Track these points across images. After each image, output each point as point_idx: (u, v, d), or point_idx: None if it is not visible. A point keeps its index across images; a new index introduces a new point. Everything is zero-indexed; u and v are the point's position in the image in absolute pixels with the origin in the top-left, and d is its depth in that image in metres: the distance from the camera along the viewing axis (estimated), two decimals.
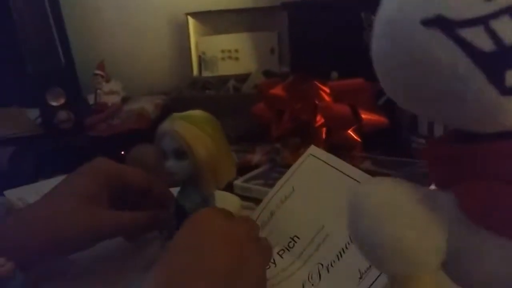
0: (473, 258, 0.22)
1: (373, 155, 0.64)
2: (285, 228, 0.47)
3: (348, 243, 0.41)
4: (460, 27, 0.19)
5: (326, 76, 0.69)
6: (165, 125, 0.41)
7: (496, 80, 0.19)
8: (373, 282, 0.37)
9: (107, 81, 0.97)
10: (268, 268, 0.43)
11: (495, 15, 0.18)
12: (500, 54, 0.18)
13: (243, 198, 0.58)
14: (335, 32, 0.66)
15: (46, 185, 0.48)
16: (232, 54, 0.96)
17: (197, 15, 0.97)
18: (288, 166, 0.62)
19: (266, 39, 0.93)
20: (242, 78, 0.90)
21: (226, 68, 0.96)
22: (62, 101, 0.82)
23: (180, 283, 0.29)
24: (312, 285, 0.40)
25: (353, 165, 0.61)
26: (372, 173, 0.57)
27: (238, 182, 0.60)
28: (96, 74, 0.96)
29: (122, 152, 0.75)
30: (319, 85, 0.59)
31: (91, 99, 0.98)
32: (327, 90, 0.59)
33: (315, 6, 0.67)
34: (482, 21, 0.19)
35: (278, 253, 0.45)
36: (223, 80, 0.92)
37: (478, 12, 0.19)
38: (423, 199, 0.23)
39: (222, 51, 0.96)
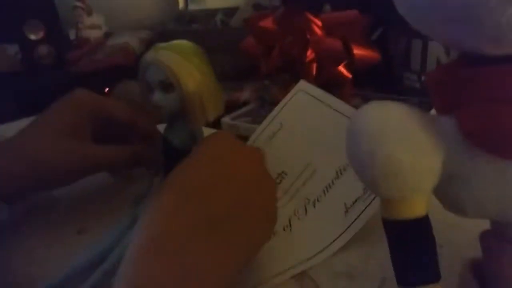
0: (468, 182, 0.22)
1: (364, 92, 0.63)
2: (272, 164, 0.47)
3: (335, 179, 0.41)
4: None
5: (318, 9, 0.66)
6: (149, 56, 0.39)
7: None
8: (358, 216, 0.37)
9: (89, 14, 0.92)
10: None
11: None
12: None
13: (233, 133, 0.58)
14: None
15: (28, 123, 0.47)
16: None
17: None
18: (278, 103, 0.61)
19: None
20: (231, 12, 0.86)
21: (214, 1, 0.92)
22: (41, 34, 0.78)
23: (204, 192, 0.28)
24: (299, 219, 0.41)
25: (343, 102, 0.61)
26: None
27: (226, 119, 0.59)
28: (76, 6, 0.91)
29: (106, 89, 0.73)
30: (311, 17, 0.56)
31: (72, 35, 0.94)
32: (319, 23, 0.57)
33: None
34: None
35: None
36: (211, 13, 0.89)
37: None
38: (423, 122, 0.23)
39: None
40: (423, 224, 0.24)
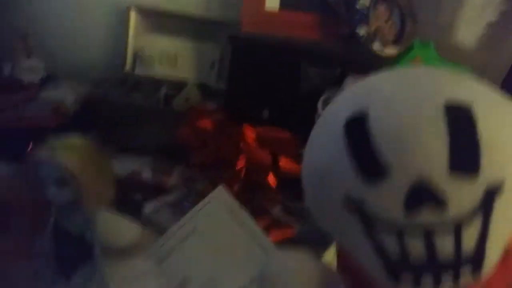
0: None
1: (286, 200, 0.72)
2: (180, 267, 0.54)
3: None
4: (376, 224, 0.23)
5: (258, 112, 0.76)
6: (44, 154, 0.47)
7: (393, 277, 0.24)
8: None
9: (28, 56, 0.97)
10: None
11: (411, 229, 0.22)
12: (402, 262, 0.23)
13: (150, 224, 0.64)
14: (274, 74, 0.74)
15: None
16: (171, 58, 1.00)
17: (142, 10, 0.99)
18: (203, 196, 0.68)
19: (209, 50, 0.98)
20: (177, 86, 0.94)
21: (162, 71, 1.00)
22: None
23: None
24: None
25: (264, 207, 0.70)
26: (278, 223, 0.66)
27: (147, 209, 0.65)
28: (16, 47, 0.95)
29: (29, 148, 0.77)
30: (246, 128, 0.66)
31: (7, 69, 0.97)
32: (253, 135, 0.66)
33: (261, 47, 0.74)
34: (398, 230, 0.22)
35: None
36: (156, 83, 0.96)
37: (397, 219, 0.22)
38: (323, 282, 0.30)
39: (161, 52, 1.00)
40: None
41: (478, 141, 0.21)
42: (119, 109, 0.83)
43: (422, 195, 0.21)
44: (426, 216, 0.22)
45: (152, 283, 0.54)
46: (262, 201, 0.70)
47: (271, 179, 0.68)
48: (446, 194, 0.21)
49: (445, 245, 0.22)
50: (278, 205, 0.71)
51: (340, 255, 0.32)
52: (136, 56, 1.01)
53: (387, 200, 0.22)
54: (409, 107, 0.22)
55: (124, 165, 0.74)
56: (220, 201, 0.57)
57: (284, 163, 0.68)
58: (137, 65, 1.01)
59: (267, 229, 0.62)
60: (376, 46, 0.82)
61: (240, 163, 0.66)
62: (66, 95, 0.88)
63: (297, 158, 0.70)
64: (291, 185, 0.74)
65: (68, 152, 0.48)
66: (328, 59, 0.75)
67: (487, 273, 0.23)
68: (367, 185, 0.23)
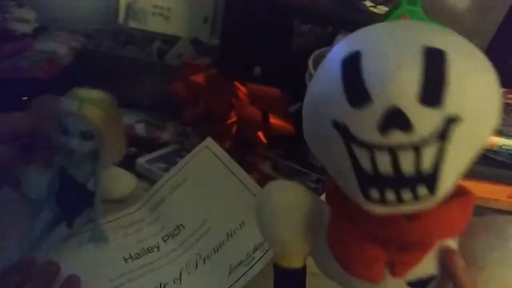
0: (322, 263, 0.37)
1: (275, 157, 0.75)
2: (172, 215, 0.57)
3: (225, 240, 0.52)
4: (355, 143, 0.27)
5: (249, 68, 0.77)
6: (72, 106, 0.49)
7: (364, 193, 0.28)
8: (240, 277, 0.49)
9: (20, 6, 0.96)
10: (152, 252, 0.54)
11: (381, 147, 0.27)
12: (373, 177, 0.27)
13: (143, 176, 0.67)
14: (266, 31, 0.75)
15: None
16: (164, 12, 1.00)
17: None
18: None
19: (202, 5, 0.98)
20: (169, 40, 0.95)
21: (155, 25, 1.00)
22: None
23: None
24: (189, 273, 0.51)
25: (254, 164, 0.73)
26: (268, 179, 0.69)
27: (141, 160, 0.68)
28: None
29: (25, 98, 0.78)
30: (238, 85, 0.67)
31: None
32: (245, 91, 0.68)
33: (255, 2, 0.74)
34: (370, 148, 0.27)
35: (162, 238, 0.56)
36: (149, 37, 0.97)
37: (371, 139, 0.27)
38: (311, 209, 0.36)
39: (154, 6, 1.00)
40: (299, 271, 0.38)
41: (446, 81, 0.26)
42: (113, 61, 0.84)
43: (394, 120, 0.26)
44: (396, 138, 0.26)
45: (146, 230, 0.57)
46: (252, 157, 0.73)
47: (262, 135, 0.71)
48: (413, 121, 0.26)
49: (407, 161, 0.27)
50: (268, 161, 0.74)
51: (328, 187, 0.36)
52: (128, 9, 1.01)
53: (365, 123, 0.27)
54: (395, 47, 0.27)
55: None
56: (208, 151, 0.59)
57: (274, 120, 0.70)
58: (129, 18, 1.01)
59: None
60: (368, 3, 0.83)
61: (232, 118, 0.69)
62: (59, 47, 0.89)
63: (287, 116, 0.72)
64: (280, 142, 0.76)
65: (96, 106, 0.50)
66: (321, 16, 0.76)
67: (442, 194, 0.29)
68: (352, 109, 0.27)
